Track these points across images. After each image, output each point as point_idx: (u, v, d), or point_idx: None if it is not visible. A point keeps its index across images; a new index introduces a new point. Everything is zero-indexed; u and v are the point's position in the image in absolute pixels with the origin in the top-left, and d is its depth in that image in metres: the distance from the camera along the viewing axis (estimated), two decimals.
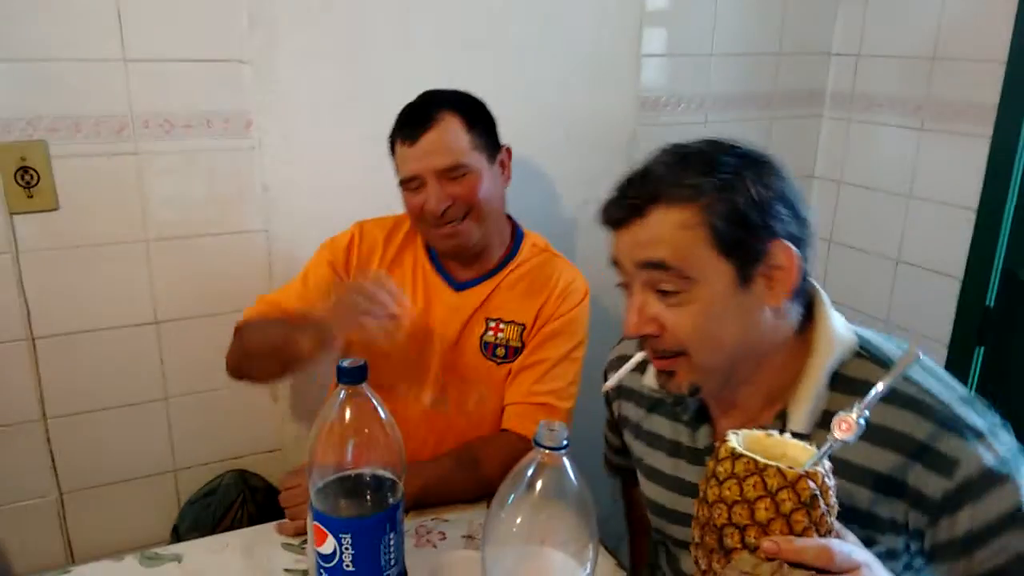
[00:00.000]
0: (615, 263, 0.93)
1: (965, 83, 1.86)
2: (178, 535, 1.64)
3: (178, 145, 1.52)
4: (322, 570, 0.93)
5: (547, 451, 0.77)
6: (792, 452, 0.72)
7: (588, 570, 0.80)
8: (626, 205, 0.90)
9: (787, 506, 0.67)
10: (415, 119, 1.35)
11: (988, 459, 0.81)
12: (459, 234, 1.36)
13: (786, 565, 0.65)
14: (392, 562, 0.94)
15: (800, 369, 0.91)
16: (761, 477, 0.68)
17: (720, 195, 0.85)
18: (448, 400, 1.42)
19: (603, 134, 1.89)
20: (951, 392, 0.87)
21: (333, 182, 1.66)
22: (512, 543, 0.80)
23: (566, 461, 0.78)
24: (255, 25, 1.52)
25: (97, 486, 1.64)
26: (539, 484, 0.78)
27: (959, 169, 1.88)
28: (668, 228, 0.87)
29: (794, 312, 0.92)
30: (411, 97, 1.57)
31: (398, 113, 1.38)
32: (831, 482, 0.69)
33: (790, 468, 0.68)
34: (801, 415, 0.89)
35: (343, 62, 1.60)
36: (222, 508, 1.64)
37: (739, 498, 0.69)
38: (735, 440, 0.73)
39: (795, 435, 0.77)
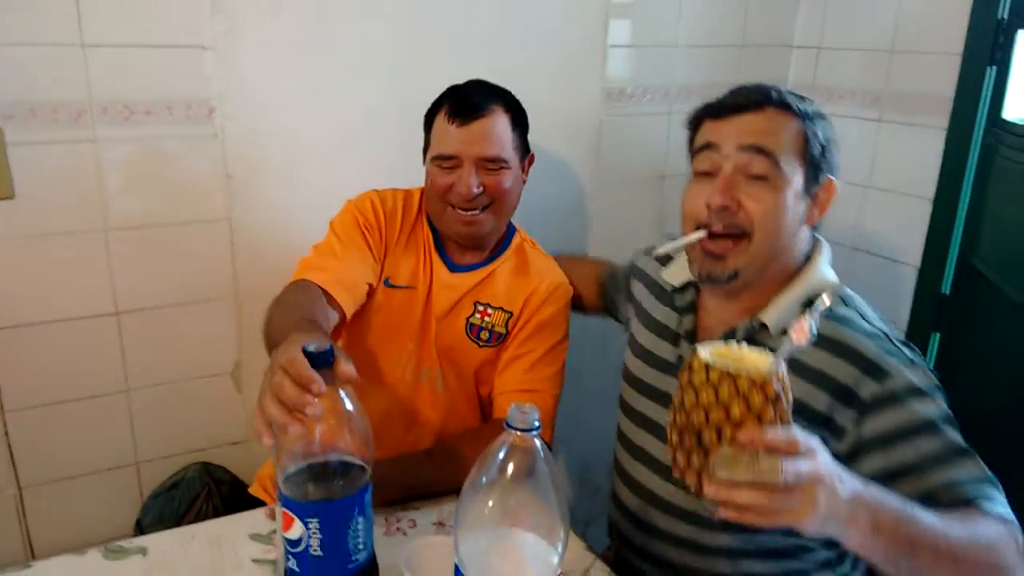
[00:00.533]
0: (708, 146, 1.11)
1: (922, 75, 1.90)
2: (141, 529, 1.62)
3: (138, 132, 1.49)
4: (289, 556, 0.92)
5: (519, 433, 0.78)
6: (750, 358, 0.81)
7: (559, 551, 0.81)
8: (746, 98, 1.10)
9: (756, 404, 0.76)
10: (470, 104, 1.38)
11: (915, 380, 1.00)
12: (477, 223, 1.40)
13: (760, 454, 0.75)
14: (361, 546, 0.94)
15: (784, 288, 1.12)
16: (734, 383, 0.77)
17: (813, 121, 1.10)
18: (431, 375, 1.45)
19: (569, 125, 1.90)
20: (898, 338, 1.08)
21: (297, 170, 1.64)
22: (484, 526, 0.81)
23: (537, 443, 0.79)
24: (217, 10, 1.49)
25: (57, 480, 1.60)
26: (510, 467, 0.79)
27: (916, 160, 1.92)
28: (778, 125, 1.08)
29: (806, 244, 1.14)
30: (374, 86, 1.56)
31: (446, 91, 1.42)
32: (787, 382, 0.80)
33: (758, 371, 0.77)
34: (775, 325, 1.10)
35: (307, 50, 1.58)
36: (186, 501, 1.62)
37: (714, 401, 0.78)
38: (704, 354, 0.81)
39: (750, 343, 0.92)
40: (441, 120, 1.40)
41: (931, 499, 0.92)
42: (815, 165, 1.10)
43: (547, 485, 0.78)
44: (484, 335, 1.46)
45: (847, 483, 0.80)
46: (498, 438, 0.80)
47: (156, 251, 1.57)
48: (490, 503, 0.80)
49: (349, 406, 0.92)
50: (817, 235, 1.17)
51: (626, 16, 1.94)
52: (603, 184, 2.01)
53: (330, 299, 1.32)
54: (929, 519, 0.85)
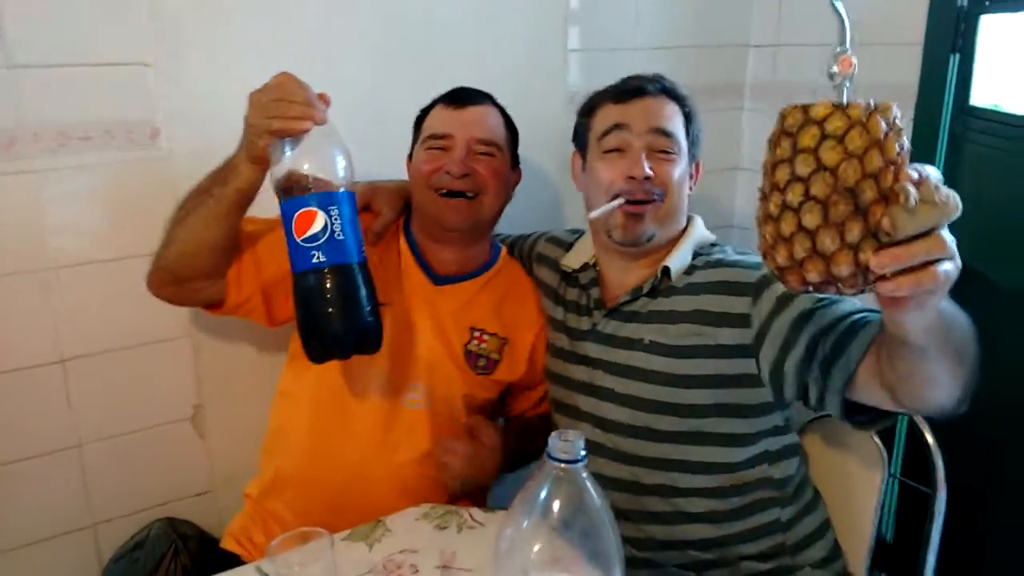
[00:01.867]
0: (617, 127, 1.29)
1: (885, 67, 1.88)
2: None
3: (76, 160, 1.35)
4: (312, 254, 1.01)
5: (563, 465, 0.69)
6: (815, 110, 0.70)
7: None
8: (647, 85, 1.31)
9: (892, 144, 0.64)
10: (467, 92, 1.43)
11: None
12: (468, 209, 1.37)
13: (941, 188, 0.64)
14: (361, 242, 1.09)
15: (676, 244, 1.32)
16: (864, 126, 0.65)
17: (691, 109, 1.34)
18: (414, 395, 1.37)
19: (535, 133, 1.81)
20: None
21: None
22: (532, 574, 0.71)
23: (584, 474, 0.70)
24: (158, 24, 1.37)
25: (4, 551, 1.44)
26: (556, 504, 0.70)
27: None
28: (672, 110, 1.31)
29: (685, 218, 1.36)
30: (334, 99, 1.46)
31: (441, 95, 1.44)
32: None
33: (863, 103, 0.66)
34: (676, 268, 1.29)
35: (258, 61, 1.43)
36: (152, 562, 1.47)
37: (865, 145, 0.64)
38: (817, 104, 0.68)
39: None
40: (436, 110, 1.42)
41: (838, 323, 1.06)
42: (693, 143, 1.34)
43: (600, 521, 0.70)
44: (481, 362, 1.42)
45: None
46: (539, 472, 0.70)
47: (103, 290, 1.43)
48: (536, 548, 0.70)
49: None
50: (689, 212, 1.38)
51: (584, 21, 1.89)
52: (569, 192, 1.94)
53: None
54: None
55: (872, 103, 0.68)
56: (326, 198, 1.03)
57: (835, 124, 0.67)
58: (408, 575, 1.10)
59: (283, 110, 1.04)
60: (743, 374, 1.20)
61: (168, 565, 1.46)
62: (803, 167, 0.68)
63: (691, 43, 2.07)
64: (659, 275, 1.29)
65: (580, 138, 1.40)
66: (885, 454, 1.30)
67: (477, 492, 1.41)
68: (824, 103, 0.69)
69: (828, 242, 0.67)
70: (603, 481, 1.24)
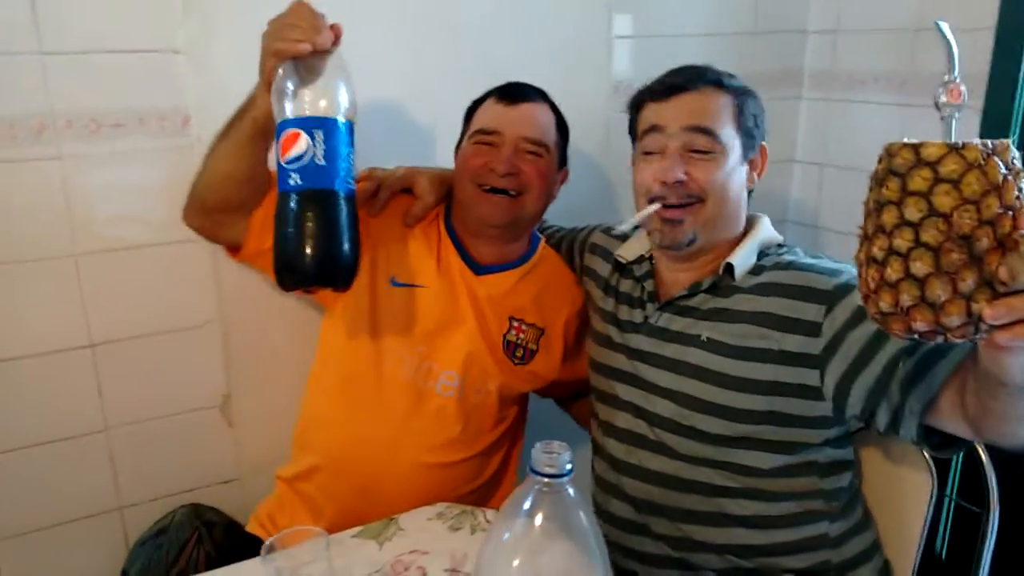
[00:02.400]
0: (653, 129, 1.23)
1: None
2: None
3: (107, 147, 1.36)
4: (290, 176, 1.01)
5: (546, 479, 0.64)
6: (928, 151, 0.66)
7: None
8: (683, 79, 1.23)
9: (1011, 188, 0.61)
10: (519, 89, 1.41)
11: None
12: (509, 207, 1.35)
13: None
14: (351, 179, 1.06)
15: (740, 243, 1.25)
16: (982, 170, 0.62)
17: (742, 96, 1.24)
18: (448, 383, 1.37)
19: (577, 123, 1.76)
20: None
21: None
22: None
23: (570, 490, 0.65)
24: (190, 10, 1.36)
25: (33, 531, 1.46)
26: (538, 518, 0.65)
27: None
28: (714, 103, 1.22)
29: (747, 210, 1.29)
30: (364, 85, 1.45)
31: (493, 88, 1.42)
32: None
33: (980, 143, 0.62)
34: (741, 266, 1.21)
35: None
36: (175, 547, 1.47)
37: (982, 191, 0.61)
38: (930, 145, 0.65)
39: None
40: (487, 104, 1.41)
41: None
42: (749, 134, 1.24)
43: (586, 540, 0.65)
44: (519, 352, 1.41)
45: None
46: (522, 484, 0.66)
47: (132, 276, 1.44)
48: (515, 562, 0.66)
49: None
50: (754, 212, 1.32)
51: (631, 7, 1.82)
52: (614, 183, 1.89)
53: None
54: None
55: (990, 144, 0.64)
56: (313, 122, 1.03)
57: (950, 167, 0.64)
58: None
59: (287, 32, 1.05)
60: (803, 384, 1.13)
61: (191, 552, 1.46)
62: (914, 211, 0.64)
63: (745, 29, 1.98)
64: (721, 272, 1.23)
65: (631, 133, 1.35)
66: (934, 469, 1.21)
67: (494, 494, 1.39)
68: (937, 143, 0.65)
69: (939, 291, 0.64)
70: (643, 474, 1.25)
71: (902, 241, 0.65)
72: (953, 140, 0.66)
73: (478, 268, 1.41)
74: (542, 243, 1.50)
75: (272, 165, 1.13)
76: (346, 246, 1.06)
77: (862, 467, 1.31)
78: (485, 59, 1.59)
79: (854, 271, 1.02)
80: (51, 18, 1.28)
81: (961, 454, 1.66)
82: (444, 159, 1.47)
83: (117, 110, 1.36)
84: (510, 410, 1.46)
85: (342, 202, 1.06)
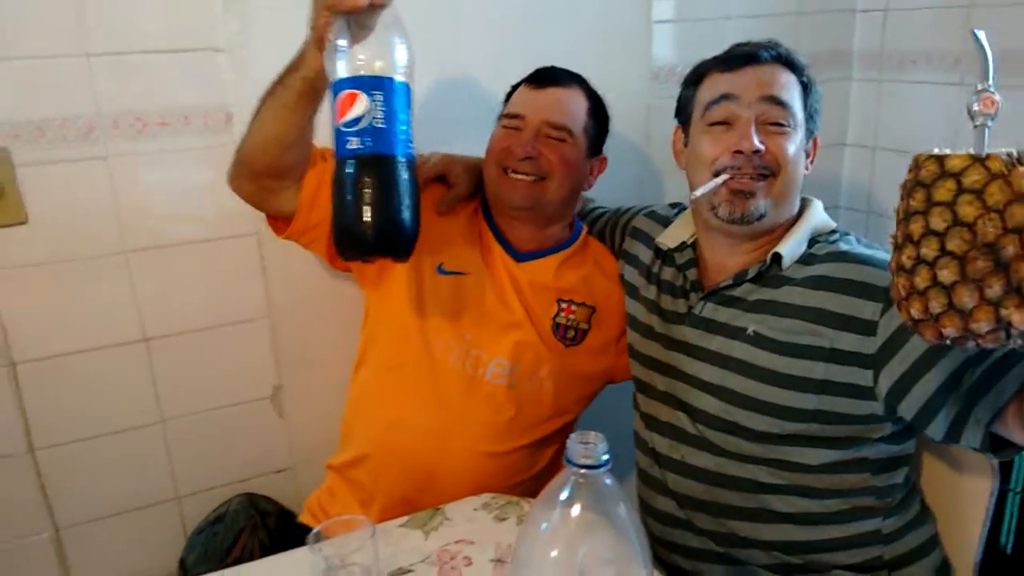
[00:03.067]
0: (725, 98, 1.18)
1: (1008, 29, 1.69)
2: (185, 568, 1.51)
3: (153, 145, 1.39)
4: (348, 139, 0.96)
5: (583, 471, 0.63)
6: (951, 162, 0.67)
7: None
8: (760, 52, 1.19)
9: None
10: (550, 72, 1.40)
11: None
12: (528, 190, 1.34)
13: None
14: (411, 143, 1.01)
15: (790, 230, 1.21)
16: (1006, 180, 0.63)
17: (810, 79, 1.22)
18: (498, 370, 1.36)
19: (616, 110, 1.75)
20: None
21: None
22: None
23: (607, 481, 0.64)
24: (230, 8, 1.38)
25: (95, 520, 1.51)
26: (576, 509, 0.65)
27: (1009, 124, 1.70)
28: (788, 78, 1.19)
29: (799, 200, 1.24)
30: None
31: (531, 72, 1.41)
32: None
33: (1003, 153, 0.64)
34: (789, 255, 1.17)
35: None
36: (231, 536, 1.51)
37: (1008, 200, 0.62)
38: (955, 156, 0.67)
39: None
40: (520, 88, 1.41)
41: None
42: (811, 118, 1.22)
43: (624, 530, 0.64)
44: (571, 334, 1.40)
45: None
46: (558, 476, 0.66)
47: (181, 271, 1.47)
48: (553, 553, 0.66)
49: None
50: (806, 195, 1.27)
51: None
52: (654, 171, 1.86)
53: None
54: None
55: (1015, 153, 0.65)
56: (372, 82, 0.97)
57: (973, 177, 0.65)
58: (461, 567, 1.08)
59: None
60: (853, 384, 1.08)
61: (246, 540, 1.50)
62: (939, 221, 0.66)
63: (791, 9, 1.93)
64: (768, 261, 1.18)
65: (683, 112, 1.30)
66: (996, 464, 1.17)
67: (531, 482, 1.39)
68: (961, 155, 0.67)
69: (966, 298, 0.65)
70: (686, 469, 1.22)
71: (928, 250, 0.67)
72: (986, 148, 0.67)
73: (519, 255, 1.41)
74: (584, 231, 1.49)
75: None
76: (407, 214, 1.00)
77: (922, 462, 1.28)
78: (524, 46, 1.58)
79: None
80: (95, 21, 1.31)
81: None
82: (482, 148, 1.47)
83: (162, 109, 1.39)
84: (568, 402, 1.43)
85: (403, 168, 1.01)
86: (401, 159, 1.00)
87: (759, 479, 1.16)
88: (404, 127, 1.00)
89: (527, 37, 1.61)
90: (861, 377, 1.07)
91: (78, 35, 1.30)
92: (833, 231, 1.23)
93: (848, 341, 1.08)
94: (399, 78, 0.99)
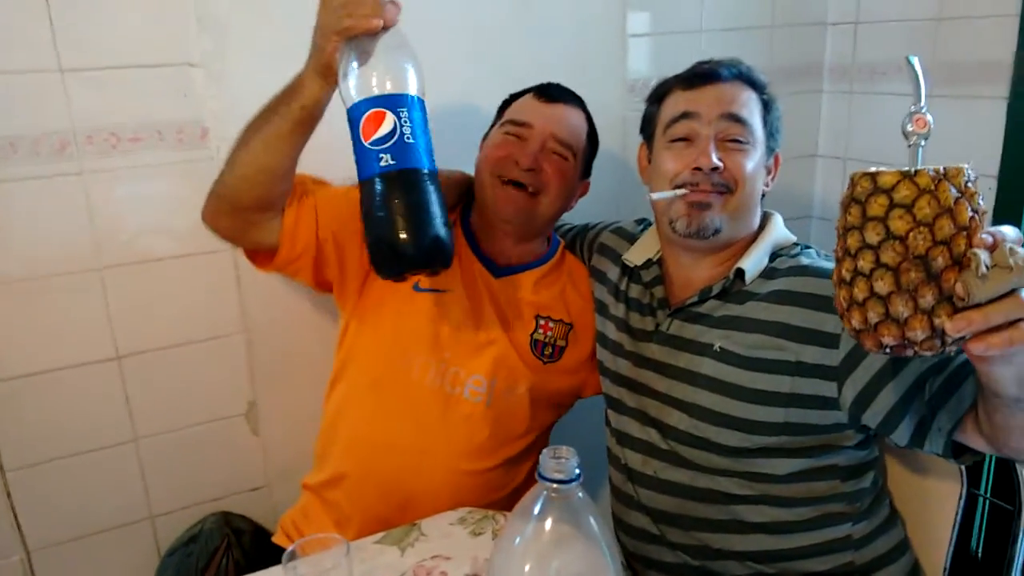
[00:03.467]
0: (685, 116, 1.20)
1: (975, 42, 1.73)
2: None
3: (128, 161, 1.38)
4: (379, 157, 0.97)
5: (555, 485, 0.64)
6: (883, 179, 0.71)
7: None
8: (721, 70, 1.22)
9: (963, 211, 0.66)
10: (560, 90, 1.42)
11: None
12: (524, 203, 1.34)
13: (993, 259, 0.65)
14: (432, 155, 1.03)
15: (752, 244, 1.22)
16: (933, 194, 0.67)
17: (770, 97, 1.24)
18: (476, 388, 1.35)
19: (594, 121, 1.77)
20: None
21: None
22: None
23: (579, 495, 0.64)
24: (204, 24, 1.38)
25: (67, 541, 1.49)
26: (548, 524, 0.65)
27: (976, 135, 1.75)
28: (748, 96, 1.21)
29: (759, 215, 1.26)
30: None
31: (534, 85, 1.43)
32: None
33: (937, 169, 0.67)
34: (752, 270, 1.18)
35: (301, 59, 1.45)
36: (205, 556, 1.49)
37: (934, 214, 0.66)
38: (885, 172, 0.70)
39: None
40: (525, 98, 1.41)
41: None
42: (771, 135, 1.24)
43: (596, 543, 0.64)
44: (548, 351, 1.40)
45: None
46: (531, 490, 0.66)
47: (155, 288, 1.46)
48: (527, 568, 0.66)
49: None
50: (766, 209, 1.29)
51: (646, 4, 1.81)
52: (630, 183, 1.87)
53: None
54: None
55: (943, 169, 0.69)
56: (396, 99, 0.99)
57: (903, 193, 0.69)
58: None
59: (354, 8, 1.00)
60: (819, 396, 1.10)
61: (221, 559, 1.48)
62: (873, 235, 0.70)
63: (764, 23, 1.96)
64: (731, 277, 1.19)
65: (647, 128, 1.32)
66: (963, 468, 1.18)
67: (506, 500, 1.38)
68: (892, 172, 0.70)
69: (901, 308, 0.69)
70: (657, 484, 1.23)
71: (865, 263, 0.70)
72: (919, 164, 0.71)
73: (497, 270, 1.41)
74: (561, 245, 1.50)
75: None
76: (443, 226, 1.01)
77: (887, 466, 1.29)
78: (500, 60, 1.58)
79: None
80: (69, 36, 1.30)
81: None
82: (460, 163, 1.47)
83: (136, 125, 1.38)
84: (543, 417, 1.44)
85: (434, 180, 1.02)
86: (431, 171, 1.02)
87: (730, 491, 1.17)
88: (428, 141, 1.03)
89: (503, 51, 1.62)
90: (826, 389, 1.09)
91: (52, 51, 1.30)
92: (795, 244, 1.25)
93: (812, 354, 1.09)
94: (418, 94, 1.02)
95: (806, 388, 1.10)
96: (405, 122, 0.99)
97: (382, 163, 0.98)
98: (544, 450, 0.65)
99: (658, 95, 1.30)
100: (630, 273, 1.37)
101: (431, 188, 1.01)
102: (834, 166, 2.10)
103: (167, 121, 1.40)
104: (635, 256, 1.35)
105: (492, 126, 1.43)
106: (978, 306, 0.65)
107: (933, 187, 0.67)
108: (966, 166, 0.69)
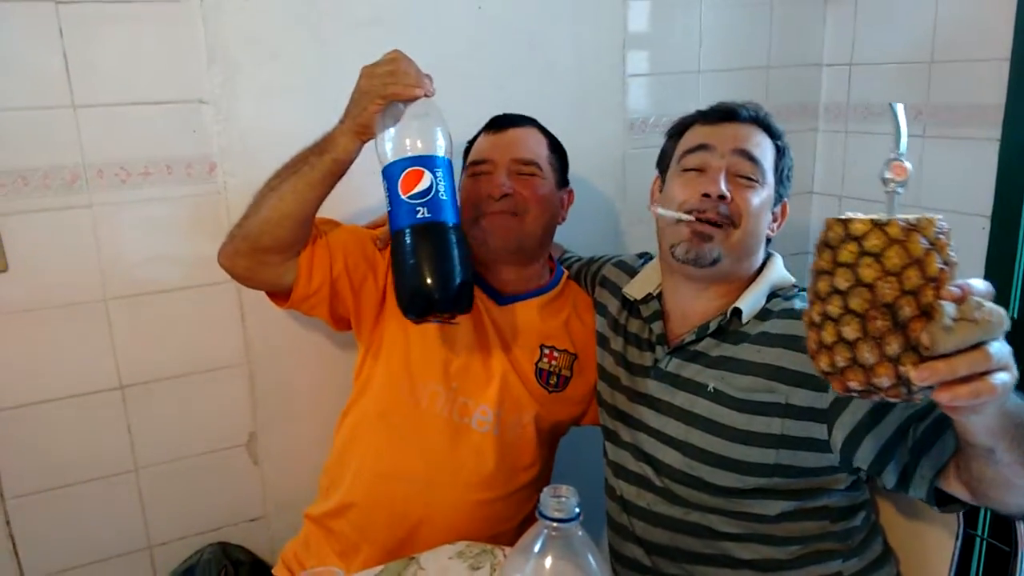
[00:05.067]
0: (701, 148, 1.23)
1: (967, 85, 1.77)
2: None
3: (136, 195, 1.41)
4: (417, 210, 1.08)
5: (555, 524, 0.65)
6: (854, 227, 0.72)
7: None
8: (741, 111, 1.26)
9: (933, 262, 0.67)
10: (506, 117, 1.45)
11: None
12: (511, 228, 1.37)
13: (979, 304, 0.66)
14: (459, 209, 1.16)
15: (749, 285, 1.24)
16: (903, 245, 0.68)
17: (785, 145, 1.28)
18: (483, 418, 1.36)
19: (592, 160, 1.80)
20: None
21: None
22: None
23: (580, 534, 0.66)
24: (214, 61, 1.41)
25: (65, 570, 1.49)
26: (548, 562, 0.66)
27: (968, 175, 1.78)
28: (763, 139, 1.24)
29: (764, 253, 1.28)
30: None
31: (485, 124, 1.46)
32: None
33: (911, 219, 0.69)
34: (749, 310, 1.20)
35: (308, 95, 1.48)
36: None
37: (903, 264, 0.67)
38: (859, 218, 0.71)
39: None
40: (479, 139, 1.45)
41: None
42: (781, 182, 1.26)
43: None
44: (553, 380, 1.41)
45: None
46: (532, 528, 0.67)
47: (160, 319, 1.48)
48: None
49: None
50: (769, 249, 1.30)
51: (644, 45, 1.85)
52: (631, 220, 1.90)
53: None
54: None
55: (914, 219, 0.70)
56: (431, 160, 1.11)
57: (872, 241, 0.70)
58: None
59: (399, 78, 1.12)
60: (809, 438, 1.11)
61: None
62: (842, 281, 0.71)
63: (760, 64, 2.00)
64: (728, 315, 1.20)
65: (663, 160, 1.35)
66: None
67: (513, 532, 1.38)
68: (864, 220, 0.71)
69: (867, 354, 0.69)
70: (651, 517, 1.24)
71: (833, 307, 0.71)
72: (895, 212, 0.72)
73: (501, 298, 1.42)
74: (565, 274, 1.51)
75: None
76: (471, 273, 1.14)
77: (882, 505, 1.29)
78: (500, 100, 1.61)
79: None
80: (82, 73, 1.33)
81: None
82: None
83: (146, 159, 1.41)
84: (549, 447, 1.45)
85: (460, 233, 1.14)
86: (459, 226, 1.14)
87: (721, 529, 1.18)
88: (455, 197, 1.15)
89: (504, 91, 1.65)
90: (817, 431, 1.10)
91: (65, 87, 1.33)
92: (793, 286, 1.26)
93: (802, 397, 1.10)
94: (447, 155, 1.14)
95: (796, 430, 1.11)
96: (440, 180, 1.11)
97: (418, 215, 1.09)
98: (545, 488, 0.66)
99: (678, 130, 1.33)
100: (630, 307, 1.38)
101: (459, 239, 1.13)
102: (830, 203, 2.13)
103: (176, 156, 1.43)
104: (635, 290, 1.36)
105: (463, 171, 1.46)
106: (945, 356, 0.65)
107: (903, 237, 0.68)
108: (938, 218, 0.70)
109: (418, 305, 1.12)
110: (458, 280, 1.10)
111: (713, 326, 1.22)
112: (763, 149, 1.23)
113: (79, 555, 1.50)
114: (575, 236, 1.71)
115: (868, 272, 0.69)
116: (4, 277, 1.34)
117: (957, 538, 1.19)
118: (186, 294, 1.48)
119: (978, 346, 0.65)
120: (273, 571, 1.45)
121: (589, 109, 1.80)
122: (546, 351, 1.41)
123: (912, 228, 0.68)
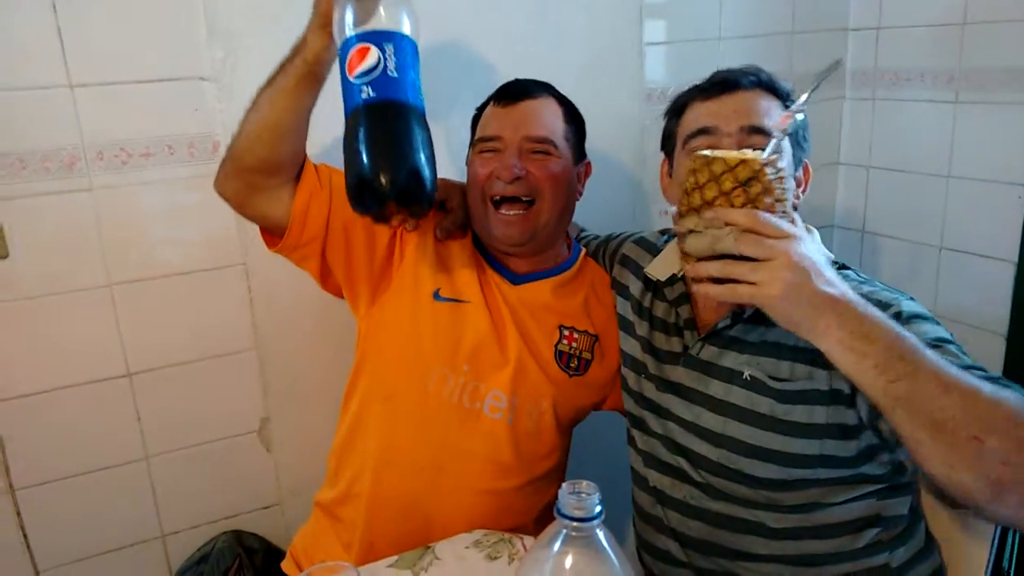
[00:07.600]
0: (703, 132, 1.15)
1: (1002, 47, 1.69)
2: None
3: (138, 176, 1.37)
4: (362, 89, 0.96)
5: (575, 523, 0.60)
6: (751, 157, 0.91)
7: None
8: (740, 78, 1.16)
9: (727, 185, 0.90)
10: (518, 86, 1.34)
11: (916, 308, 1.04)
12: (523, 222, 1.28)
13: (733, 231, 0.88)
14: (421, 96, 1.02)
15: None
16: (709, 168, 0.91)
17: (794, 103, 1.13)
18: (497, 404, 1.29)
19: (610, 132, 1.73)
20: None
21: None
22: None
23: (600, 533, 0.61)
24: (214, 38, 1.36)
25: (77, 560, 1.47)
26: (568, 561, 0.61)
27: (1003, 142, 1.71)
28: (770, 105, 1.15)
29: None
30: None
31: (495, 91, 1.35)
32: (776, 174, 0.91)
33: (735, 157, 0.91)
34: None
35: None
36: (217, 575, 1.47)
37: (694, 185, 0.93)
38: (705, 150, 0.95)
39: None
40: (488, 110, 1.34)
41: None
42: (798, 145, 1.17)
43: None
44: (574, 363, 1.33)
45: (831, 283, 0.86)
46: (551, 526, 0.62)
47: (167, 304, 1.44)
48: None
49: None
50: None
51: (663, 12, 1.78)
52: (649, 193, 1.84)
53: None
54: (934, 354, 0.84)
55: (735, 162, 0.91)
56: (382, 35, 0.98)
57: (712, 170, 0.94)
58: None
59: None
60: (849, 424, 1.04)
61: None
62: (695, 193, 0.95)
63: (783, 29, 1.92)
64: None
65: (668, 142, 1.26)
66: None
67: (532, 524, 1.34)
68: (709, 156, 0.94)
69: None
70: (688, 509, 1.18)
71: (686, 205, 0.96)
72: (768, 154, 0.92)
73: (516, 278, 1.35)
74: (583, 252, 1.44)
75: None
76: (423, 159, 0.99)
77: (920, 493, 1.24)
78: (516, 70, 1.55)
79: (906, 301, 1.04)
80: (78, 51, 1.29)
81: None
82: None
83: (147, 139, 1.37)
84: (567, 435, 1.38)
85: (417, 115, 1.01)
86: (415, 107, 1.00)
87: (767, 523, 1.11)
88: (415, 79, 1.01)
89: (520, 60, 1.58)
90: (850, 416, 1.03)
91: (61, 66, 1.28)
92: (833, 262, 1.15)
93: (842, 379, 1.01)
94: (409, 35, 1.01)
95: (839, 418, 1.04)
96: (390, 57, 0.98)
97: (362, 95, 0.97)
98: (564, 484, 0.61)
99: (676, 108, 1.24)
100: (654, 289, 1.30)
101: (412, 121, 0.99)
102: (857, 174, 2.05)
103: (178, 135, 1.38)
104: (658, 271, 1.28)
105: (470, 145, 1.38)
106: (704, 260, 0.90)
107: (726, 168, 0.90)
108: (760, 159, 0.91)
109: (360, 195, 0.99)
110: (406, 165, 0.97)
111: (750, 309, 1.12)
112: (772, 116, 1.13)
113: (91, 546, 1.48)
114: (594, 210, 1.65)
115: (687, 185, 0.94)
116: (5, 264, 1.31)
117: (996, 525, 1.14)
118: (192, 278, 1.45)
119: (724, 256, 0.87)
120: (281, 565, 1.40)
121: (605, 79, 1.74)
122: (565, 332, 1.34)
123: (733, 168, 0.90)
